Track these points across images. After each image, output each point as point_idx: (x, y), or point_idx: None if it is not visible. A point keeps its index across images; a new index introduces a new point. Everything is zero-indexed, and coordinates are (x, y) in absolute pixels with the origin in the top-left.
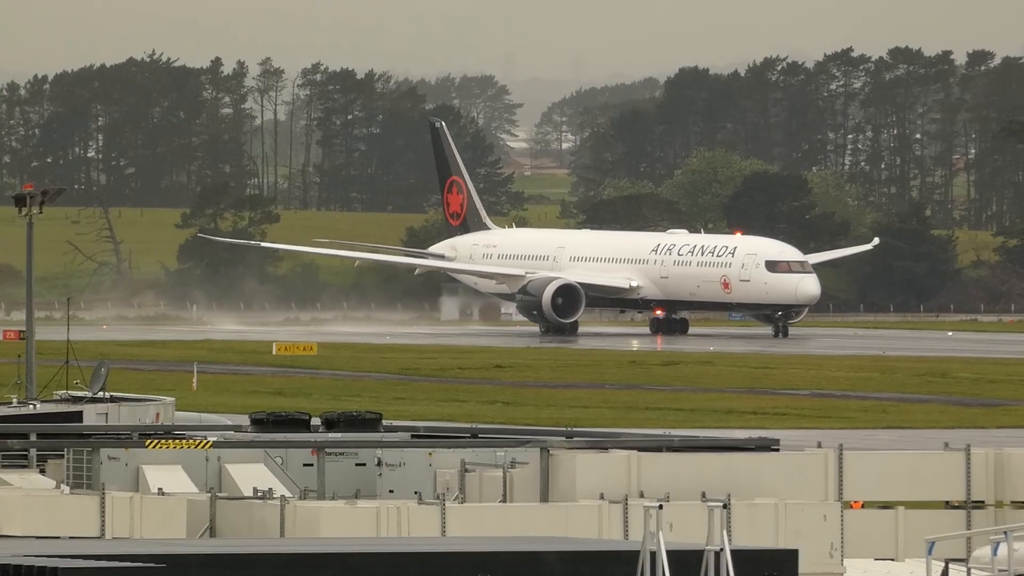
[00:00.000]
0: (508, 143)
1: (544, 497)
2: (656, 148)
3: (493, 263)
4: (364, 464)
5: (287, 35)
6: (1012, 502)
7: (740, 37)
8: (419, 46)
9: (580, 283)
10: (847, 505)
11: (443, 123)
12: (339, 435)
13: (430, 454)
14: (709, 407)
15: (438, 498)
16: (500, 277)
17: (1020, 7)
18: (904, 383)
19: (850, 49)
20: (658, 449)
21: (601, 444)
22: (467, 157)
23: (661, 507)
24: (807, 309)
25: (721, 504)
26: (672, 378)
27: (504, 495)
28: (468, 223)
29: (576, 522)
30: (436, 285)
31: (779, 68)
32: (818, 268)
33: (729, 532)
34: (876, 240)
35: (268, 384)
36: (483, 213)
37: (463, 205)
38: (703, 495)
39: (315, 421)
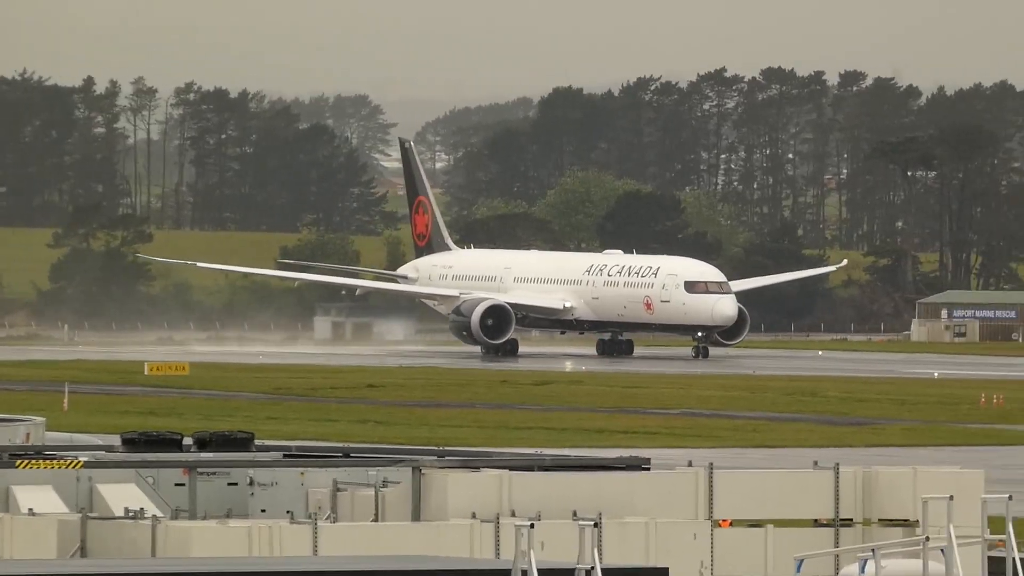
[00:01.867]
0: (382, 163)
1: (416, 516)
2: (530, 168)
3: (448, 284)
4: (236, 484)
5: (160, 54)
6: (880, 520)
7: (614, 57)
8: (293, 65)
9: (518, 304)
10: (717, 524)
11: (411, 143)
12: (211, 455)
13: (302, 473)
14: (580, 426)
15: (310, 517)
16: (439, 298)
17: (892, 29)
18: (774, 402)
19: (723, 69)
20: (529, 468)
21: (472, 463)
22: (340, 177)
23: (532, 526)
24: (745, 331)
25: (592, 523)
26: (543, 397)
27: (376, 514)
28: (433, 244)
29: (448, 541)
30: (310, 304)
31: (653, 88)
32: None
33: (600, 551)
34: (844, 261)
35: (140, 404)
36: (446, 234)
37: (428, 226)
38: (574, 514)
39: (187, 441)
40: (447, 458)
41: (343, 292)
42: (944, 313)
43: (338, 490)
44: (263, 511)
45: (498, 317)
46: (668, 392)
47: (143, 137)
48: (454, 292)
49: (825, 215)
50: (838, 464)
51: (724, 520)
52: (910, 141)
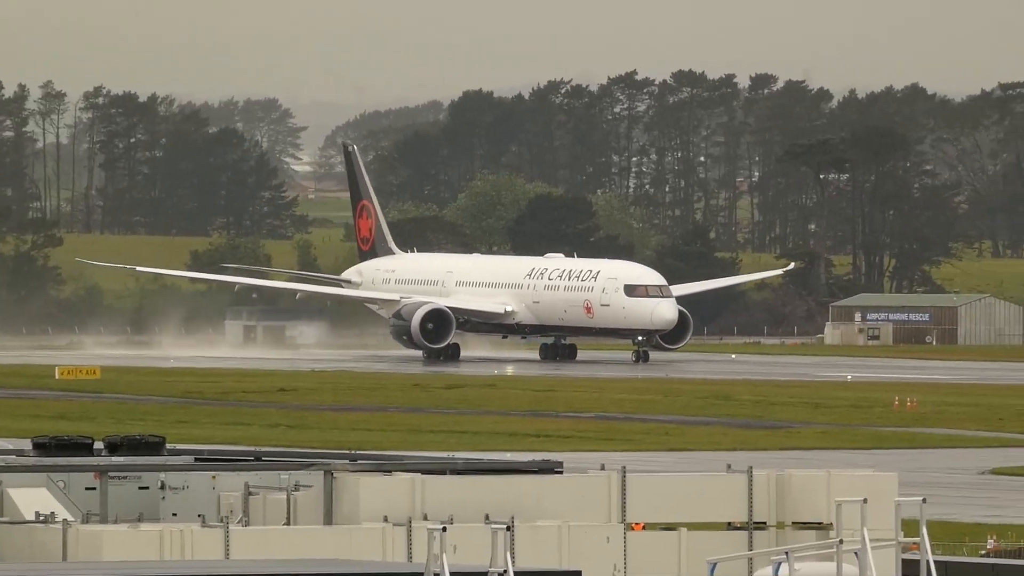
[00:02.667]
0: (292, 166)
1: (328, 520)
2: (440, 171)
3: (391, 288)
4: (147, 487)
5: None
6: (793, 523)
7: (524, 60)
8: (202, 69)
9: (459, 308)
10: (630, 527)
11: (355, 147)
12: (122, 459)
13: (214, 477)
14: (492, 430)
15: (222, 521)
16: (380, 302)
17: (803, 31)
18: (687, 406)
19: (634, 72)
20: (442, 472)
21: (385, 467)
22: (251, 181)
23: (445, 529)
24: (688, 334)
25: (504, 526)
26: (456, 401)
27: (288, 518)
28: (376, 248)
29: (360, 544)
30: (221, 308)
31: (563, 91)
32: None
33: (512, 554)
34: (792, 264)
35: (51, 408)
36: (389, 238)
37: (372, 230)
38: (487, 517)
39: (98, 445)
40: (359, 462)
41: (254, 296)
42: (857, 316)
43: (250, 494)
44: (175, 515)
45: (438, 321)
46: (581, 396)
47: (52, 141)
48: (395, 296)
49: (737, 218)
50: (751, 467)
51: (637, 523)
52: (822, 144)
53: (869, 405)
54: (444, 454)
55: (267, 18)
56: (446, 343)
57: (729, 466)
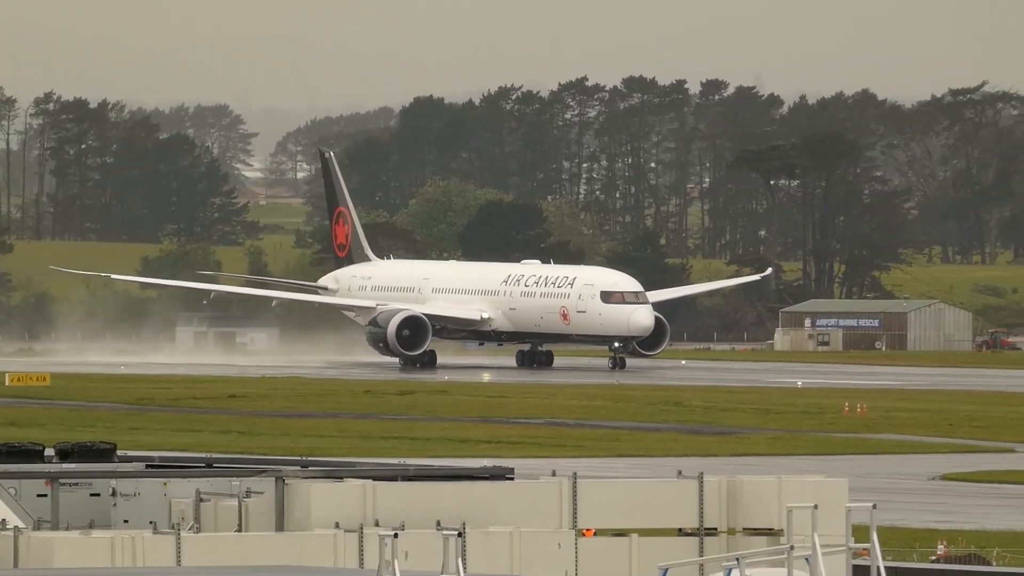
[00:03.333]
0: (243, 172)
1: (279, 526)
2: (391, 177)
3: (368, 295)
4: (98, 494)
5: (19, 64)
6: (744, 529)
7: (475, 66)
8: (153, 75)
9: (435, 315)
10: (581, 533)
11: (332, 153)
12: (73, 465)
13: (165, 484)
14: (444, 436)
15: (173, 528)
16: (356, 309)
17: (753, 37)
18: (638, 412)
19: (585, 78)
20: (393, 478)
21: (336, 473)
22: (201, 187)
23: (396, 536)
24: (665, 341)
25: (456, 533)
26: (407, 407)
27: (239, 524)
28: (353, 255)
29: (311, 551)
30: (173, 314)
31: (514, 97)
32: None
33: (464, 561)
34: (770, 270)
35: (1, 415)
36: (366, 245)
37: (348, 236)
38: (438, 524)
39: (49, 452)
40: (310, 468)
41: (204, 302)
42: (807, 322)
43: (201, 500)
44: (126, 521)
45: (414, 328)
46: (532, 402)
47: (2, 147)
48: (371, 303)
49: (688, 224)
50: (702, 473)
51: (588, 529)
52: (772, 150)
53: (819, 411)
54: (395, 460)
55: (218, 25)
56: (422, 350)
57: (680, 472)
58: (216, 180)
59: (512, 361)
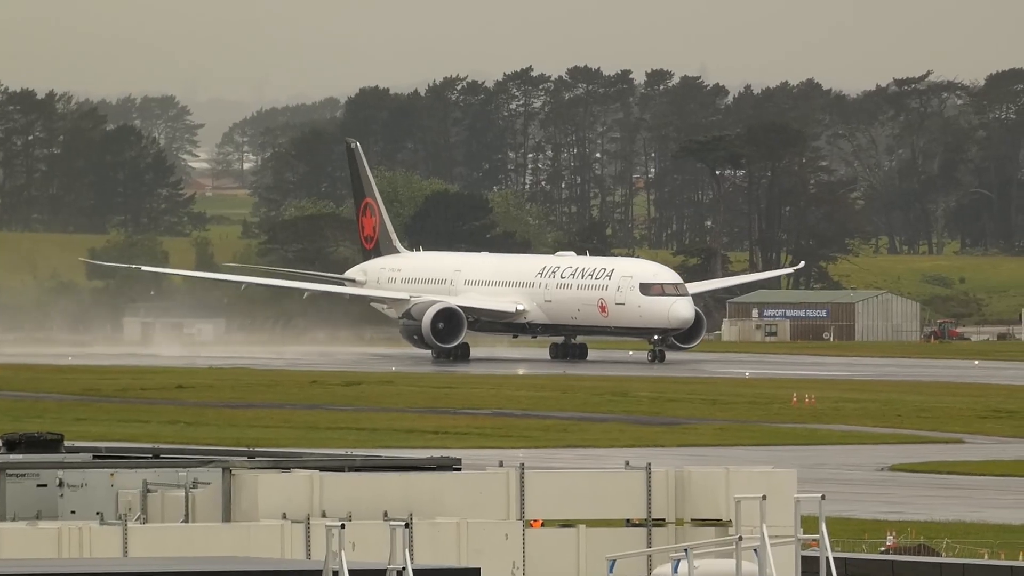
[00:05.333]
0: (190, 163)
1: (226, 517)
2: (337, 168)
3: (397, 287)
4: (45, 485)
5: None
6: (692, 520)
7: (420, 57)
8: (99, 66)
9: (469, 307)
10: (528, 524)
11: (358, 144)
12: (20, 456)
13: (112, 475)
14: (390, 427)
15: (120, 519)
16: (389, 301)
17: (698, 27)
18: (585, 402)
19: (530, 68)
20: (340, 469)
21: (283, 464)
22: (148, 178)
23: (343, 526)
24: (702, 334)
25: (403, 523)
26: (353, 398)
27: (186, 515)
28: (380, 246)
29: (258, 542)
30: (119, 305)
31: (459, 88)
32: None
33: (411, 551)
34: (802, 263)
35: None
36: (394, 236)
37: (376, 228)
38: (385, 514)
39: None
40: (257, 459)
41: (152, 293)
42: (755, 312)
43: (148, 491)
44: (73, 512)
45: (449, 320)
46: (478, 392)
47: None
48: (404, 295)
49: (634, 214)
50: (650, 464)
51: (535, 520)
52: (718, 140)
53: (767, 401)
54: (342, 451)
55: (164, 15)
56: (457, 342)
57: (627, 462)
58: (163, 171)
59: (546, 354)
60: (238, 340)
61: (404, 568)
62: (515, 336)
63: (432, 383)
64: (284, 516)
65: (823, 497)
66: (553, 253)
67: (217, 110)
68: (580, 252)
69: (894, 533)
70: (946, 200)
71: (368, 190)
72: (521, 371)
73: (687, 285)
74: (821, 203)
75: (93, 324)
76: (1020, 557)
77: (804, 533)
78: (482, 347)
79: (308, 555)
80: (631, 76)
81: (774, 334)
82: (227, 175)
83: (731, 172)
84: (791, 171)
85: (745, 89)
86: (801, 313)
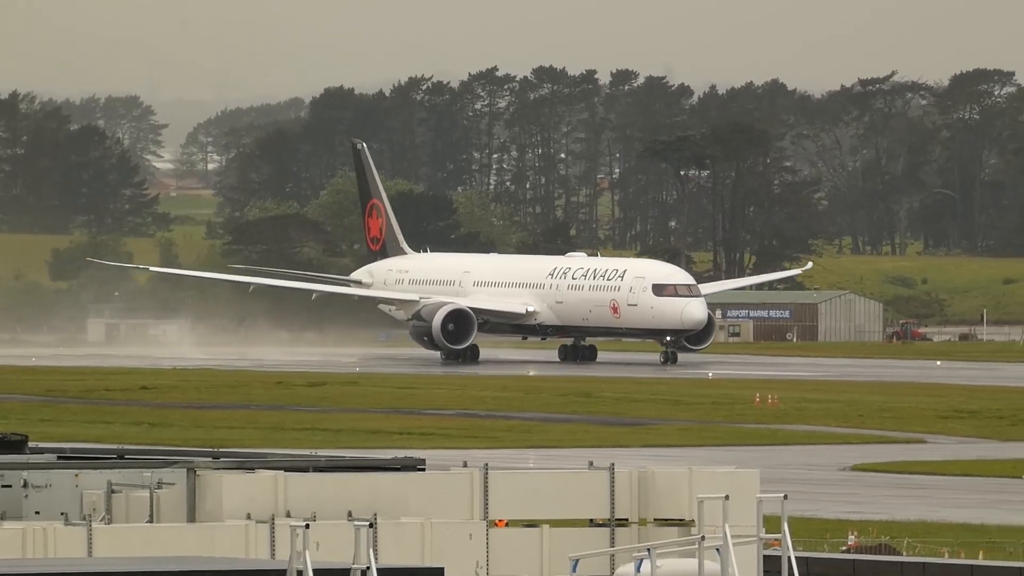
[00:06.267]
0: (154, 164)
1: (191, 517)
2: (302, 168)
3: (405, 288)
4: (10, 486)
5: None
6: (655, 520)
7: (385, 56)
8: (63, 66)
9: (479, 308)
10: (492, 524)
11: (364, 144)
12: None
13: (76, 475)
14: (355, 427)
15: (85, 519)
16: (397, 303)
17: (663, 27)
18: (549, 403)
19: (495, 68)
20: (304, 469)
21: (247, 464)
22: (112, 178)
23: (307, 526)
24: (712, 335)
25: (367, 523)
26: (318, 399)
27: (151, 515)
28: (387, 248)
29: (223, 542)
30: (83, 306)
31: (424, 88)
32: None
33: (375, 551)
34: (809, 264)
35: None
36: (400, 238)
37: (382, 229)
38: (349, 514)
39: None
40: (222, 459)
41: (116, 294)
42: (718, 313)
43: (113, 492)
44: (37, 513)
45: (459, 322)
46: (442, 393)
47: None
48: (414, 296)
49: (598, 215)
50: (613, 464)
51: (500, 520)
52: (682, 140)
53: (730, 402)
54: (307, 451)
55: (127, 15)
56: (467, 344)
57: (591, 463)
58: (127, 171)
59: (555, 356)
60: (206, 341)
61: (368, 568)
62: (524, 338)
63: (396, 383)
64: (248, 516)
65: (785, 497)
66: (564, 254)
67: (181, 110)
68: (544, 253)
69: (856, 532)
70: (909, 201)
71: (375, 191)
72: (532, 372)
73: (700, 286)
74: (785, 203)
75: (57, 325)
76: (980, 556)
77: (766, 533)
78: (491, 348)
79: (273, 555)
80: (596, 76)
81: (737, 334)
82: (191, 175)
83: (695, 172)
84: (755, 171)
85: (710, 89)
86: (764, 314)
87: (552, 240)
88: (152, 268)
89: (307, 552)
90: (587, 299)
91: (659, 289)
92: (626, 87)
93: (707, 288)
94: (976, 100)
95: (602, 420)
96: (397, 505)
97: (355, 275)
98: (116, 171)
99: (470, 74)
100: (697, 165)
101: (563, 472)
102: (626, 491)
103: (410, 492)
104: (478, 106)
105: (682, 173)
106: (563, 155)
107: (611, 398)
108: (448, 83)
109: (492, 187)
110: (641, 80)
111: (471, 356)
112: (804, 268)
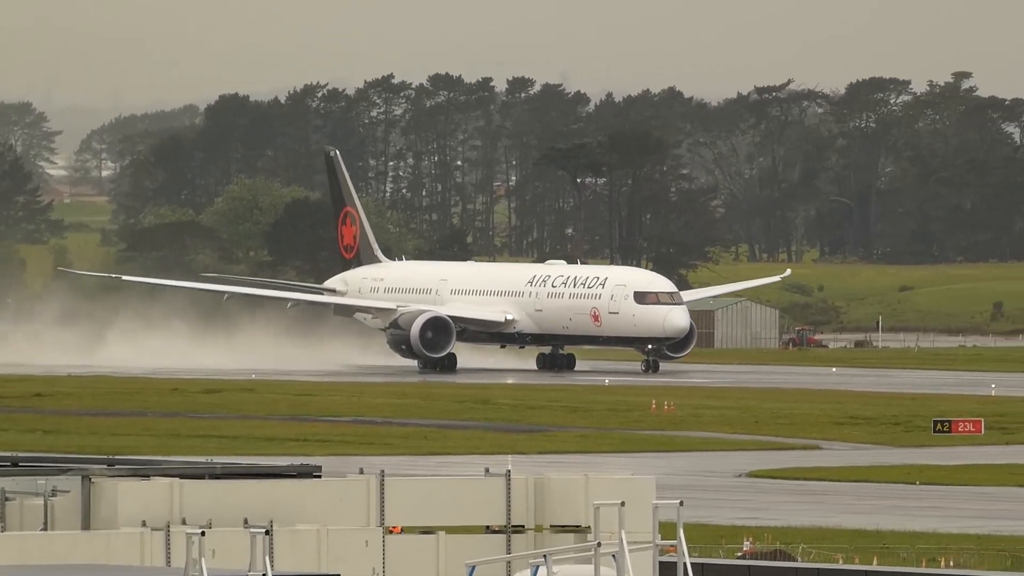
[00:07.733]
0: (47, 170)
1: (86, 525)
2: (197, 175)
3: (380, 297)
4: None
5: None
6: (551, 526)
7: (280, 64)
8: None
9: (456, 317)
10: (388, 530)
11: (337, 152)
12: None
13: None
14: (251, 434)
15: None
16: (374, 311)
17: (559, 34)
18: (446, 409)
19: (391, 76)
20: (200, 476)
21: (143, 472)
22: (5, 185)
23: (203, 534)
24: (692, 343)
25: (263, 530)
26: (214, 406)
27: (45, 523)
28: (361, 256)
29: (118, 549)
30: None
31: (320, 95)
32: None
33: (272, 558)
34: (788, 272)
35: None
36: (375, 246)
37: (356, 237)
38: (245, 521)
39: None
40: (117, 467)
41: (9, 301)
42: None
43: (6, 500)
44: None
45: (438, 330)
46: (339, 400)
47: None
48: (391, 305)
49: (495, 222)
50: (510, 471)
51: (395, 527)
52: (579, 147)
53: (627, 408)
54: (202, 458)
55: (20, 20)
56: (446, 352)
57: (487, 469)
58: (20, 178)
59: (532, 364)
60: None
61: (264, 575)
62: (503, 346)
63: (292, 390)
64: (144, 524)
65: (681, 503)
66: (544, 261)
67: (75, 117)
68: (439, 260)
69: (751, 538)
70: (806, 208)
71: (348, 199)
72: (511, 380)
73: (681, 294)
74: (682, 211)
75: None
76: (874, 561)
77: (662, 539)
78: (469, 356)
79: (168, 563)
80: (492, 84)
81: None
82: (85, 182)
83: (592, 180)
84: (652, 179)
85: (607, 97)
86: None
87: (449, 247)
88: (125, 277)
89: (203, 559)
90: (568, 307)
91: (641, 297)
92: (522, 95)
93: (688, 295)
94: (872, 108)
95: (499, 427)
96: (293, 512)
97: (329, 283)
98: (8, 178)
99: (366, 81)
100: (594, 172)
101: (459, 479)
102: (522, 497)
103: (306, 499)
104: (374, 113)
105: (579, 180)
106: (459, 162)
107: (508, 404)
108: (344, 90)
109: (388, 194)
110: (537, 88)
111: (448, 365)
112: (783, 275)
